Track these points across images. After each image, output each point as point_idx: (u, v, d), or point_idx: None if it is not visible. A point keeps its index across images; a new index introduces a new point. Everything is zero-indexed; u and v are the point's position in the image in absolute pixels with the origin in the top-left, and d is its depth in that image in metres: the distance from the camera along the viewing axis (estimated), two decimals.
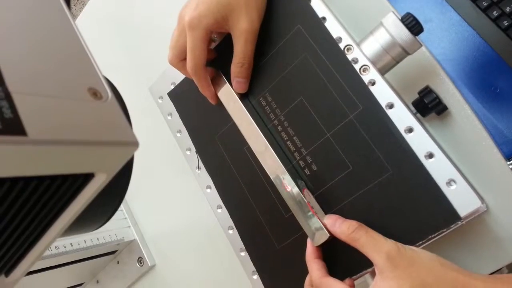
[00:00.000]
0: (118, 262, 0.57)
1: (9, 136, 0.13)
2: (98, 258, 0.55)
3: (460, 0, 0.46)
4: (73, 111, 0.16)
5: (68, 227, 0.19)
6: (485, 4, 0.44)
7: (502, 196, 0.34)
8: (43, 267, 0.50)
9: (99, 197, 0.19)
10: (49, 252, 0.47)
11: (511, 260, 0.34)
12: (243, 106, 0.39)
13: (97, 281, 0.59)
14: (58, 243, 0.49)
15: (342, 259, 0.36)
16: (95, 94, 0.17)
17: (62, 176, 0.16)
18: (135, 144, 0.17)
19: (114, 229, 0.55)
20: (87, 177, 0.17)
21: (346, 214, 0.36)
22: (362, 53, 0.35)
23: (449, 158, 0.33)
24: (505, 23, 0.43)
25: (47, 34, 0.18)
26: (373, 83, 0.35)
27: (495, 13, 0.43)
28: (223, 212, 0.44)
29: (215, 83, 0.42)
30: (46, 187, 0.16)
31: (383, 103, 0.34)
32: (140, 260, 0.55)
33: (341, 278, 0.36)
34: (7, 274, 0.21)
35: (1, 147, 0.13)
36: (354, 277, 0.36)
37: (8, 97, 0.14)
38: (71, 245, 0.50)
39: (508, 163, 0.44)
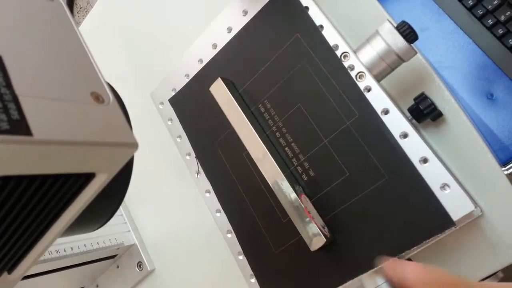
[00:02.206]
0: (118, 267, 0.58)
1: (16, 136, 0.14)
2: (98, 262, 0.55)
3: (456, 9, 0.46)
4: (77, 113, 0.16)
5: (69, 226, 0.20)
6: (481, 12, 0.45)
7: (497, 201, 0.34)
8: (43, 271, 0.50)
9: (100, 198, 0.20)
10: (49, 256, 0.48)
11: (506, 264, 0.35)
12: (243, 113, 0.40)
13: (97, 285, 0.60)
14: (58, 246, 0.49)
15: (340, 262, 0.37)
16: (98, 98, 0.18)
17: (65, 175, 0.17)
18: (134, 145, 0.18)
19: (114, 233, 0.55)
20: (88, 177, 0.18)
21: (343, 219, 0.37)
22: (358, 60, 0.36)
23: (444, 163, 0.34)
24: (500, 31, 0.44)
25: (52, 41, 0.19)
26: (369, 90, 0.36)
27: (490, 22, 0.44)
28: (222, 216, 0.45)
29: (216, 88, 0.42)
30: (49, 185, 0.17)
31: (378, 109, 0.35)
32: (140, 264, 0.55)
33: (341, 281, 0.36)
34: (9, 271, 0.22)
35: (9, 146, 0.14)
36: (353, 279, 0.36)
37: (15, 99, 0.15)
38: (71, 249, 0.50)
39: (504, 169, 0.44)
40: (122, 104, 0.23)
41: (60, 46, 0.19)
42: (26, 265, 0.21)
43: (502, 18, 0.44)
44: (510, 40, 0.44)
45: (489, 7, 0.44)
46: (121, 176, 0.20)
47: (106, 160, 0.17)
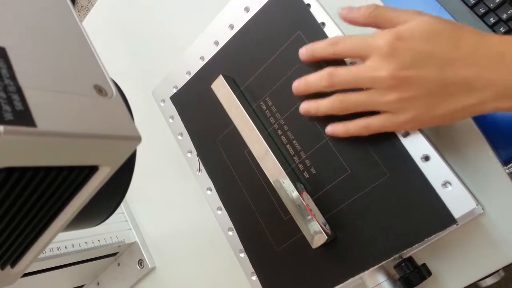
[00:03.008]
0: (118, 264, 0.58)
1: (20, 127, 0.14)
2: (99, 260, 0.55)
3: (458, 7, 0.46)
4: (80, 105, 0.16)
5: (72, 220, 0.20)
6: (483, 11, 0.45)
7: (498, 199, 0.34)
8: (44, 268, 0.50)
9: (103, 191, 0.20)
10: (50, 253, 0.48)
11: (508, 262, 0.34)
12: (244, 110, 0.40)
13: (98, 283, 0.60)
14: (59, 244, 0.49)
15: (341, 260, 0.37)
16: (101, 90, 0.18)
17: (68, 168, 0.17)
18: (137, 138, 0.18)
19: (115, 231, 0.55)
20: (92, 170, 0.18)
21: (344, 217, 0.37)
22: None
23: (445, 160, 0.34)
24: (502, 29, 0.44)
25: (56, 35, 0.19)
26: None
27: (492, 20, 0.44)
28: (223, 214, 0.45)
29: (218, 86, 0.42)
30: (53, 177, 0.17)
31: None
32: (141, 262, 0.55)
33: (342, 278, 0.36)
34: (12, 265, 0.22)
35: (13, 137, 0.14)
36: (354, 277, 0.36)
37: (19, 91, 0.15)
38: (73, 246, 0.50)
39: (505, 167, 0.44)
40: (125, 98, 0.23)
41: (63, 39, 0.19)
42: (29, 259, 0.22)
43: (504, 16, 0.44)
44: None
45: (491, 5, 0.44)
46: (123, 170, 0.20)
47: (109, 153, 0.17)
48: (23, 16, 0.18)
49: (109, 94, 0.18)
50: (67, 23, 0.20)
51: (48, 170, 0.16)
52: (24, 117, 0.14)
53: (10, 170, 0.15)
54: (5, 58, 0.15)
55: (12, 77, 0.15)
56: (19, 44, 0.17)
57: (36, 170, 0.16)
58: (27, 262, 0.22)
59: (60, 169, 0.17)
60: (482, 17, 0.45)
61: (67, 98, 0.16)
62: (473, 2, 0.45)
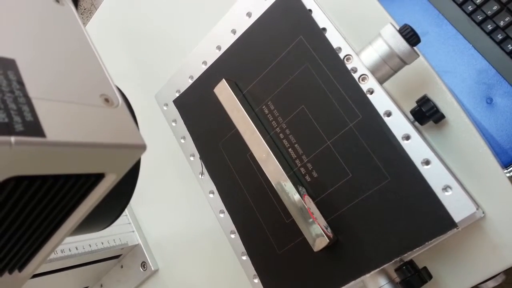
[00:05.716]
0: (122, 267, 0.58)
1: (30, 137, 0.14)
2: (102, 262, 0.56)
3: (456, 14, 0.47)
4: (87, 115, 0.17)
5: (78, 225, 0.20)
6: (480, 18, 0.45)
7: (499, 203, 0.35)
8: (49, 270, 0.51)
9: (108, 197, 0.20)
10: (54, 255, 0.48)
11: (508, 266, 0.35)
12: (246, 114, 0.41)
13: (101, 285, 0.60)
14: (63, 246, 0.50)
15: (343, 263, 0.37)
16: (107, 100, 0.18)
17: (76, 176, 0.17)
18: (143, 147, 0.18)
19: (118, 233, 0.56)
20: (98, 177, 0.18)
21: (345, 220, 0.37)
22: (361, 63, 0.36)
23: (446, 165, 0.34)
24: (499, 36, 0.44)
25: (63, 44, 0.19)
26: (371, 92, 0.36)
27: (489, 27, 0.44)
28: (226, 217, 0.45)
29: (220, 90, 0.43)
30: (60, 185, 0.17)
31: (381, 111, 0.35)
32: (144, 264, 0.56)
33: (344, 281, 0.37)
34: (20, 269, 0.22)
35: (23, 148, 0.14)
36: (356, 280, 0.36)
37: (29, 102, 0.15)
38: (76, 248, 0.51)
39: (506, 171, 0.44)
40: (130, 106, 0.23)
41: (70, 50, 0.19)
42: (36, 263, 0.22)
43: (502, 23, 0.44)
44: (509, 45, 0.44)
45: (489, 12, 0.45)
46: (128, 177, 0.20)
47: (116, 161, 0.18)
48: (30, 27, 0.18)
49: (115, 103, 0.18)
50: (74, 33, 0.20)
51: (56, 178, 0.17)
52: (34, 128, 0.15)
53: (19, 179, 0.15)
54: (15, 69, 0.16)
55: (22, 88, 0.15)
56: (28, 55, 0.17)
57: (44, 178, 0.16)
58: (34, 266, 0.22)
59: (67, 177, 0.17)
60: (479, 24, 0.45)
61: (75, 108, 0.16)
62: (471, 9, 0.46)
